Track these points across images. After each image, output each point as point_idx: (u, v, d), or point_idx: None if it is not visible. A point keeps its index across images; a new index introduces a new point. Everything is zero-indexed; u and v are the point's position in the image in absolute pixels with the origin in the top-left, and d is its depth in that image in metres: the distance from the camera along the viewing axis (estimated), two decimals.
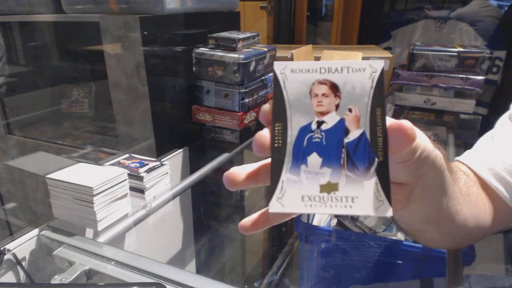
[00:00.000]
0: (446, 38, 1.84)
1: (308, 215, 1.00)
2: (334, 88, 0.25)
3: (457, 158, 0.52)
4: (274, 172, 0.25)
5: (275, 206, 0.25)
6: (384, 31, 2.00)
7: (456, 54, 1.14)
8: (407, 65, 1.21)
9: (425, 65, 1.18)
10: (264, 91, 1.07)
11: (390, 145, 0.25)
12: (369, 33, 1.96)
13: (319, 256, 0.86)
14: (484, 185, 0.47)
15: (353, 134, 0.25)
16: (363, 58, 1.11)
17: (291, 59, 1.04)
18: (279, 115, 0.25)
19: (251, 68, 0.98)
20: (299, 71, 0.26)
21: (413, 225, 0.40)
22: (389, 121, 0.25)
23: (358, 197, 0.24)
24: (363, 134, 0.25)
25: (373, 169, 0.24)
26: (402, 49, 1.93)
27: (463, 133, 1.23)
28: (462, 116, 1.22)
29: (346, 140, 0.25)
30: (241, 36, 1.00)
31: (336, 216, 1.02)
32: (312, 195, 0.25)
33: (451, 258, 0.57)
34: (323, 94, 0.26)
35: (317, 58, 1.16)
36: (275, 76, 0.26)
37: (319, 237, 0.84)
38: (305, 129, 0.25)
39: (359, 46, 1.48)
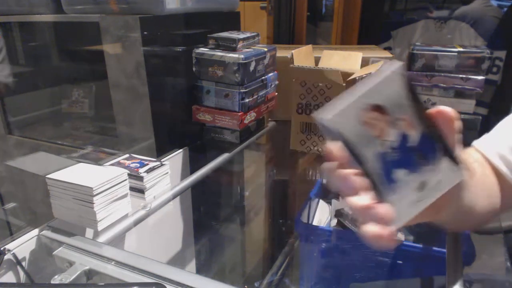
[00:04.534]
0: (446, 38, 1.84)
1: (308, 215, 1.00)
2: (379, 109, 0.27)
3: (474, 142, 0.53)
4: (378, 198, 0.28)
5: (396, 225, 0.28)
6: (384, 31, 1.99)
7: (456, 54, 1.14)
8: (407, 65, 1.21)
9: (425, 65, 1.18)
10: (264, 91, 1.07)
11: (442, 129, 0.28)
12: (369, 33, 1.96)
13: (319, 256, 0.86)
14: (495, 170, 0.48)
15: (414, 137, 0.28)
16: (363, 58, 1.11)
17: (291, 59, 1.04)
18: (355, 160, 0.28)
19: (251, 68, 0.98)
20: (341, 112, 0.27)
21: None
22: (429, 110, 0.28)
23: (442, 178, 0.29)
24: (421, 133, 0.28)
25: (441, 153, 0.29)
26: (402, 49, 1.92)
27: (463, 133, 1.22)
28: (462, 116, 1.22)
29: (412, 145, 0.28)
30: (241, 36, 1.00)
31: (336, 216, 1.02)
32: (413, 199, 0.28)
33: (451, 258, 0.57)
34: (373, 119, 0.27)
35: (317, 58, 1.17)
36: (325, 127, 0.27)
37: (319, 237, 0.84)
38: (379, 155, 0.28)
39: (359, 46, 1.47)
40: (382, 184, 0.28)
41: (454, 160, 0.29)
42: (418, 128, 0.28)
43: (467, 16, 1.81)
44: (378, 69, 0.27)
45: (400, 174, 0.28)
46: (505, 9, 1.82)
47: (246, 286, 1.15)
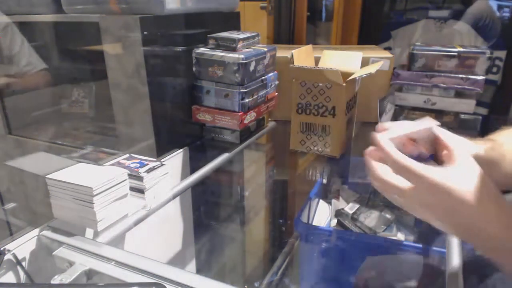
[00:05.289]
0: (446, 38, 1.84)
1: (308, 215, 1.00)
2: (413, 140, 0.50)
3: None
4: None
5: None
6: (384, 31, 1.99)
7: (456, 54, 1.14)
8: (407, 65, 1.21)
9: (425, 65, 1.18)
10: (264, 91, 1.07)
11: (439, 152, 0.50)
12: (369, 33, 1.96)
13: (319, 256, 0.86)
14: None
15: (423, 155, 0.50)
16: (363, 58, 1.11)
17: (291, 59, 1.04)
18: None
19: (251, 68, 0.98)
20: (393, 138, 0.48)
21: None
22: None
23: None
24: (429, 154, 0.51)
25: (432, 160, 0.51)
26: (402, 49, 1.92)
27: (463, 133, 1.22)
28: (462, 116, 1.22)
29: (420, 157, 0.50)
30: (241, 36, 1.00)
31: (336, 216, 1.02)
32: None
33: (451, 258, 0.57)
34: (407, 144, 0.50)
35: (317, 58, 1.17)
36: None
37: (319, 237, 0.84)
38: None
39: (359, 46, 1.47)
40: None
41: (438, 163, 0.49)
42: (429, 151, 0.50)
43: (467, 16, 1.81)
44: (422, 121, 0.50)
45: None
46: (506, 9, 1.82)
47: (246, 286, 1.15)
